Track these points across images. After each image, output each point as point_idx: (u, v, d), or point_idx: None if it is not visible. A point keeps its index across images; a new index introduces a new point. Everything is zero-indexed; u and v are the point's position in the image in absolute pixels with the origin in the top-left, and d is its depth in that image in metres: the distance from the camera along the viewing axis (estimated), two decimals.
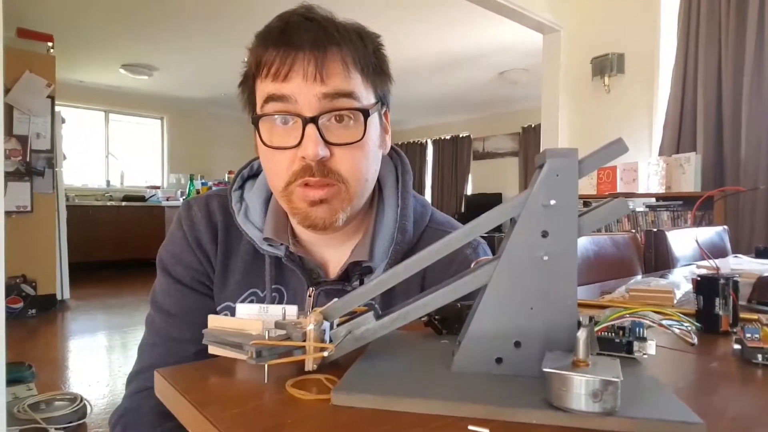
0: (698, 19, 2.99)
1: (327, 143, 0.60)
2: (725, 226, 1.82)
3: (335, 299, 0.44)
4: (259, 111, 0.63)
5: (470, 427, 0.31)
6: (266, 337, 0.40)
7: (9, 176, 3.72)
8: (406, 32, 4.47)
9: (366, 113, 0.62)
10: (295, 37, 0.59)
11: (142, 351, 0.74)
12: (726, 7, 2.87)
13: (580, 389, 0.31)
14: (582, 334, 0.33)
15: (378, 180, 0.72)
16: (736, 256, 1.40)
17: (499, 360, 0.39)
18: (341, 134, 0.61)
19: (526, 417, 0.32)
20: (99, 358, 3.03)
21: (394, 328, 0.42)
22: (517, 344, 0.39)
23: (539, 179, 0.38)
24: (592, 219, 0.38)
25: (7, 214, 3.70)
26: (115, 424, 0.69)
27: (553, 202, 0.37)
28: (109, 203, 6.46)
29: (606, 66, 3.39)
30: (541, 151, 0.41)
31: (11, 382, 2.06)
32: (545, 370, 0.32)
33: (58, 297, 4.22)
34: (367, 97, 0.64)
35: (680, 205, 2.87)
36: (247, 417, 0.33)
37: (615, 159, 0.38)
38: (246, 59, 0.65)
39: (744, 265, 1.19)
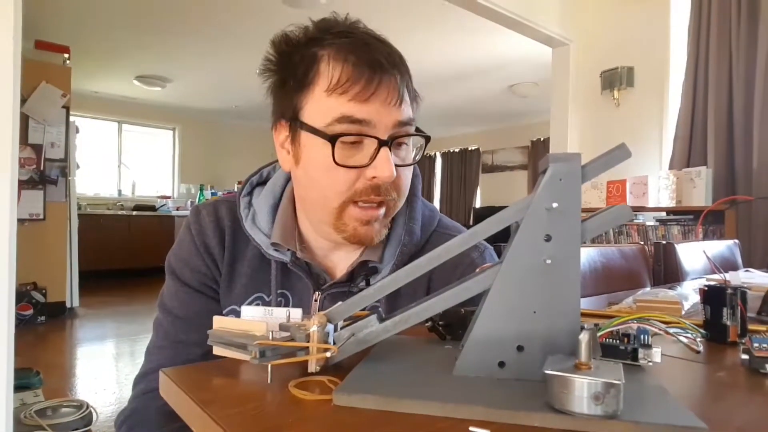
0: (708, 32, 2.98)
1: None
2: (736, 240, 1.80)
3: (340, 302, 0.45)
4: (323, 125, 0.60)
5: (471, 429, 0.31)
6: (270, 338, 0.40)
7: (23, 184, 3.78)
8: (415, 44, 4.50)
9: (428, 140, 0.67)
10: (378, 58, 0.60)
11: (150, 353, 0.75)
12: (737, 19, 2.87)
13: (581, 392, 0.31)
14: (584, 337, 0.33)
15: None
16: (747, 270, 1.38)
17: (501, 364, 0.39)
18: (403, 156, 0.65)
19: (527, 420, 0.32)
20: (106, 366, 3.04)
21: (396, 331, 0.42)
22: (520, 348, 0.38)
23: (542, 183, 0.38)
24: (595, 224, 0.38)
25: (20, 221, 3.73)
26: (121, 424, 0.70)
27: (555, 205, 0.37)
28: (120, 212, 6.52)
29: (615, 79, 3.39)
30: None
31: (19, 388, 2.07)
32: (546, 372, 0.32)
33: (68, 305, 4.25)
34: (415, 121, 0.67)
35: (691, 220, 2.85)
36: (250, 416, 0.33)
37: (618, 164, 0.38)
38: (311, 61, 0.62)
39: (755, 279, 1.17)
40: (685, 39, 3.13)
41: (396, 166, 0.62)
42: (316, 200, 0.66)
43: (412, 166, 0.67)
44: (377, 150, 0.60)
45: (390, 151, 0.61)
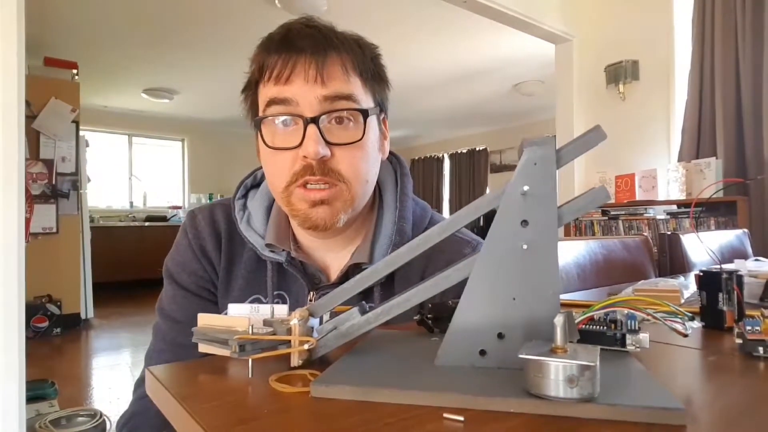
0: (713, 20, 2.95)
1: (328, 143, 0.62)
2: (745, 230, 1.77)
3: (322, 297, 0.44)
4: (261, 114, 0.64)
5: (445, 415, 0.31)
6: (250, 332, 0.40)
7: (35, 199, 3.84)
8: (419, 47, 4.51)
9: (365, 114, 0.64)
10: (297, 43, 0.62)
11: (149, 357, 0.75)
12: (741, 6, 2.83)
13: (556, 375, 0.31)
14: (559, 320, 0.32)
15: (378, 184, 0.73)
16: (757, 259, 1.35)
17: (482, 352, 0.38)
18: (341, 135, 0.63)
19: (503, 406, 0.32)
20: (121, 375, 3.06)
21: (378, 323, 0.42)
22: (500, 336, 0.38)
23: (517, 168, 0.38)
24: (572, 208, 0.38)
25: (33, 235, 3.81)
26: (122, 427, 0.71)
27: (527, 188, 0.37)
28: (132, 224, 6.59)
29: (620, 73, 3.36)
30: None
31: (35, 398, 2.10)
32: (521, 356, 0.32)
33: (83, 316, 4.30)
34: (366, 100, 0.66)
35: (702, 212, 2.81)
36: (225, 408, 0.33)
37: (594, 146, 0.38)
38: (249, 68, 0.67)
39: (764, 267, 1.15)
40: (689, 29, 3.10)
41: (334, 144, 0.62)
42: (272, 189, 0.68)
43: (360, 146, 0.64)
44: (305, 129, 0.60)
45: (319, 129, 0.60)
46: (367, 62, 0.66)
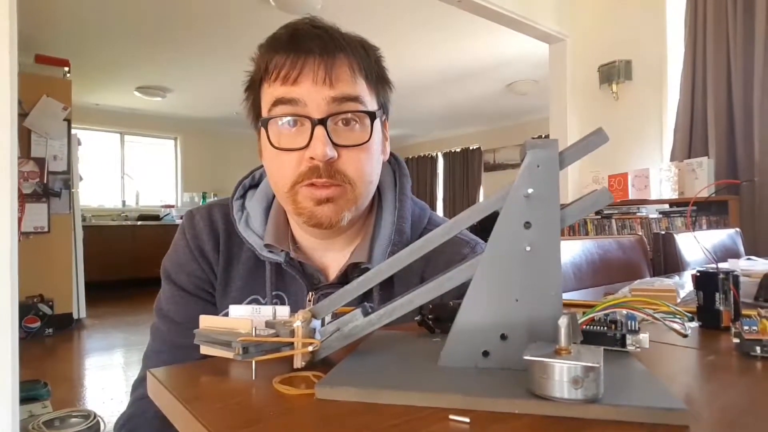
0: (705, 22, 2.97)
1: (334, 145, 0.62)
2: (737, 229, 1.78)
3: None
4: (266, 114, 0.64)
5: (451, 416, 0.31)
6: (254, 334, 0.40)
7: (27, 198, 3.80)
8: (413, 47, 4.51)
9: (373, 116, 0.64)
10: (305, 43, 0.62)
11: (147, 358, 0.75)
12: (733, 7, 2.86)
13: (560, 376, 0.31)
14: (563, 322, 0.33)
15: (378, 185, 0.73)
16: (749, 258, 1.37)
17: (485, 353, 0.39)
18: (348, 136, 0.63)
19: (508, 407, 0.32)
20: (114, 376, 3.05)
21: (381, 325, 0.42)
22: (503, 337, 0.38)
23: (521, 170, 0.38)
24: (575, 210, 0.38)
25: (25, 234, 3.77)
26: (120, 428, 0.70)
27: (530, 190, 0.37)
28: (124, 223, 6.54)
29: (613, 73, 3.38)
30: None
31: (27, 399, 2.08)
32: (526, 358, 0.32)
33: (75, 316, 4.26)
34: (371, 102, 0.66)
35: (694, 211, 2.83)
36: (230, 411, 0.33)
37: (596, 149, 0.38)
38: (252, 66, 0.67)
39: (757, 267, 1.16)
40: (682, 29, 3.12)
41: (341, 146, 0.62)
42: (275, 189, 0.68)
43: (366, 148, 0.64)
44: (312, 130, 0.61)
45: (327, 130, 0.60)
46: (371, 64, 0.66)
